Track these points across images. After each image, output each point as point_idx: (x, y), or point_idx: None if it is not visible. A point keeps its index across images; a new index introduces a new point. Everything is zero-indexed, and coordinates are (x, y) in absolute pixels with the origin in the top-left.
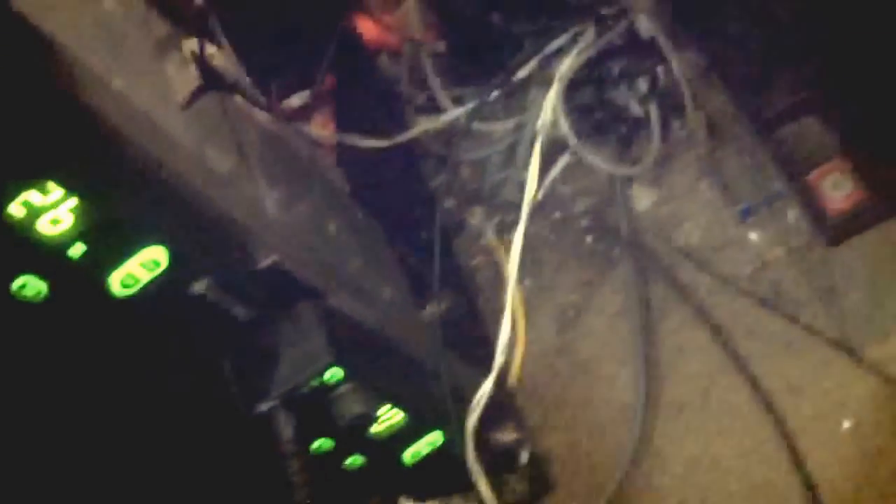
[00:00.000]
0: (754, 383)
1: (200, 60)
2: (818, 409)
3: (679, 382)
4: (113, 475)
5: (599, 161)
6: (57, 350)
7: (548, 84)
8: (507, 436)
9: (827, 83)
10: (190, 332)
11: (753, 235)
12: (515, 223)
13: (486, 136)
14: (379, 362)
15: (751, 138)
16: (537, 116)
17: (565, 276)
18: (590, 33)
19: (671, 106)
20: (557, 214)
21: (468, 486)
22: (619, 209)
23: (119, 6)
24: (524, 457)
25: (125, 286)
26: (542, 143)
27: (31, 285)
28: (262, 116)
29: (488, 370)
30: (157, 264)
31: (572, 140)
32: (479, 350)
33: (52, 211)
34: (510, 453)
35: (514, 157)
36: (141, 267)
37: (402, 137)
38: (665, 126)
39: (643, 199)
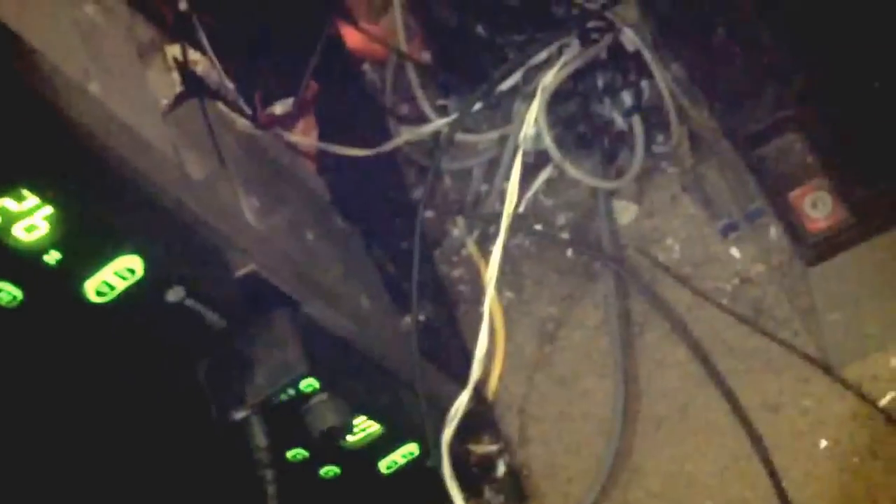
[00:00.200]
0: (733, 400)
1: (183, 66)
2: (796, 427)
3: (657, 398)
4: (84, 482)
5: (582, 174)
6: (31, 356)
7: (532, 96)
8: (483, 448)
9: (810, 102)
10: (165, 339)
11: (735, 252)
12: (497, 235)
13: (469, 147)
14: (355, 372)
15: (733, 154)
16: (520, 128)
17: (545, 289)
18: (574, 46)
19: (655, 120)
20: (539, 227)
21: (444, 498)
22: (600, 223)
23: (100, 10)
24: (500, 469)
25: (100, 294)
26: (524, 155)
27: (5, 291)
28: (242, 123)
29: (466, 382)
30: (132, 272)
31: (555, 153)
32: (456, 362)
33: (27, 218)
34: (486, 466)
35: (496, 168)
36: (115, 275)
37: (385, 147)
38: (648, 141)
39: (625, 213)
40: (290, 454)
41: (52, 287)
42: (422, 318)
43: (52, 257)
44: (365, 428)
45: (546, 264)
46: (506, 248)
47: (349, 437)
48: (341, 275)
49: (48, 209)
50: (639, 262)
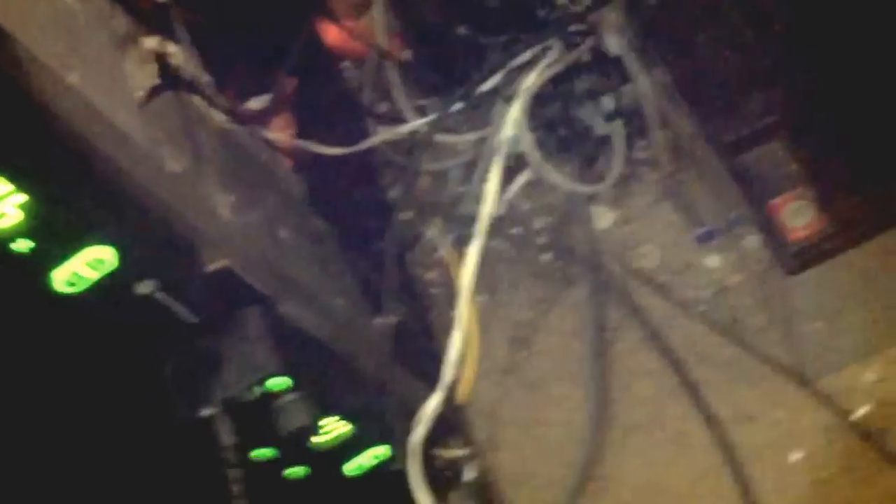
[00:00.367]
0: (706, 410)
1: (160, 59)
2: (769, 438)
3: (630, 406)
4: (44, 474)
5: (561, 178)
6: None
7: (512, 98)
8: (451, 452)
9: (793, 110)
10: (133, 332)
11: (713, 260)
12: (473, 237)
13: (447, 147)
14: (326, 372)
15: (714, 162)
16: (500, 130)
17: (521, 293)
18: (557, 49)
19: (636, 126)
20: (516, 230)
21: (412, 502)
22: (578, 228)
23: (78, 0)
24: (469, 474)
25: (70, 284)
26: (503, 157)
27: None
28: (219, 118)
29: (437, 385)
30: (102, 263)
31: (534, 156)
32: (429, 364)
33: None
34: (455, 470)
35: (475, 170)
36: (86, 266)
37: (362, 145)
38: (629, 146)
39: (603, 218)
40: (256, 453)
41: (19, 275)
42: (395, 319)
43: (21, 245)
44: (334, 429)
45: (522, 267)
46: (482, 251)
47: (317, 438)
48: (316, 274)
49: (21, 196)
50: (615, 269)
